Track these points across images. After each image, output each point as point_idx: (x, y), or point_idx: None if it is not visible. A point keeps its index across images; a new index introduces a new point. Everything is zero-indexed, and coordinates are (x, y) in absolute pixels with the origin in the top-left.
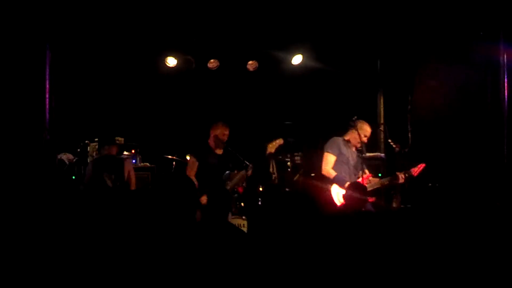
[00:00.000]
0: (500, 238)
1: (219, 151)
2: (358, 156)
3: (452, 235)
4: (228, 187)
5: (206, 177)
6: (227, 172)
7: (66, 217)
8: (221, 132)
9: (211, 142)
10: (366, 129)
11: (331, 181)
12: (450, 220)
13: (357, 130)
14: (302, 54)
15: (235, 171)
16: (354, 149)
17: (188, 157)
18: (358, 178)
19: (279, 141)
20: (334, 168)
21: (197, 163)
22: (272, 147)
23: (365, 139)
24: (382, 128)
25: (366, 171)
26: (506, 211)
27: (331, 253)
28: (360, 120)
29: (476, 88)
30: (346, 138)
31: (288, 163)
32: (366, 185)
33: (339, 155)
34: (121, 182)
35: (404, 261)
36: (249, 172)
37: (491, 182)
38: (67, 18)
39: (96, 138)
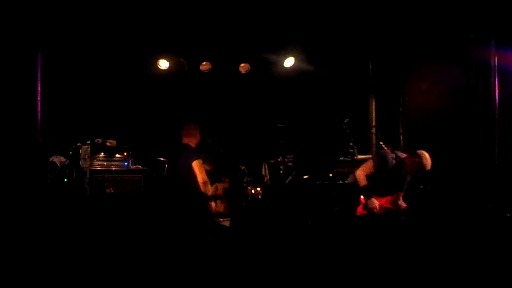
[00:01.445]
0: (492, 239)
1: None
2: (403, 178)
3: (445, 237)
4: None
5: None
6: None
7: (58, 219)
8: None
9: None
10: (422, 162)
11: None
12: (442, 222)
13: (414, 157)
14: (294, 56)
15: None
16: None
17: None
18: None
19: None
20: (369, 177)
21: None
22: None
23: (411, 171)
24: (373, 130)
25: (400, 196)
26: (498, 213)
27: (315, 255)
28: (423, 152)
29: (468, 90)
30: (403, 159)
31: (280, 166)
32: (388, 204)
33: (381, 171)
34: None
35: (395, 263)
36: None
37: (483, 184)
38: (59, 20)
39: (88, 140)
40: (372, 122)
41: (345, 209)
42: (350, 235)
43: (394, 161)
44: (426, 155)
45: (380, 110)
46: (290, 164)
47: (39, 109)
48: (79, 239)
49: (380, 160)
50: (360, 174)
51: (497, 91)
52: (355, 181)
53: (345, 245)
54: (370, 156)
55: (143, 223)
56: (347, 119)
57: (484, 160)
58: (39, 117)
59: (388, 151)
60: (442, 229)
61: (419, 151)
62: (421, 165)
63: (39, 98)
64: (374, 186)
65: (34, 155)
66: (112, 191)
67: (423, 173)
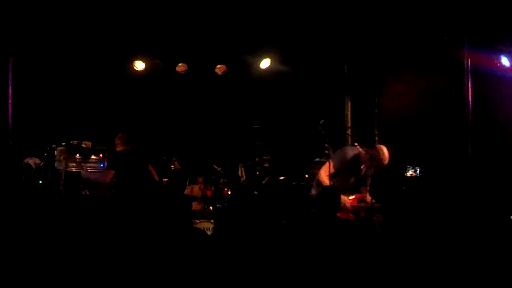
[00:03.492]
0: (464, 237)
1: None
2: (366, 175)
3: (419, 236)
4: None
5: None
6: None
7: (32, 222)
8: None
9: None
10: (377, 155)
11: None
12: (418, 222)
13: (371, 151)
14: (270, 58)
15: None
16: (363, 167)
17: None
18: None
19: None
20: (332, 176)
21: None
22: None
23: (368, 163)
24: (349, 131)
25: (365, 191)
26: (470, 212)
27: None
28: (380, 145)
29: (441, 91)
30: (360, 152)
31: (257, 167)
32: (356, 203)
33: (343, 168)
34: None
35: (373, 262)
36: None
37: (456, 184)
38: (32, 22)
39: (63, 142)
40: (347, 123)
41: (325, 211)
42: (327, 236)
43: (352, 154)
44: (384, 149)
45: (356, 112)
46: (267, 165)
47: (10, 112)
48: (54, 241)
49: (337, 158)
50: (323, 175)
51: (470, 92)
52: (319, 184)
53: (323, 246)
54: None
55: (118, 225)
56: (323, 120)
57: (457, 160)
58: (10, 120)
59: (347, 147)
60: (417, 228)
61: (376, 145)
62: (379, 158)
63: (10, 102)
64: (339, 186)
65: (5, 157)
66: (87, 193)
67: (381, 167)
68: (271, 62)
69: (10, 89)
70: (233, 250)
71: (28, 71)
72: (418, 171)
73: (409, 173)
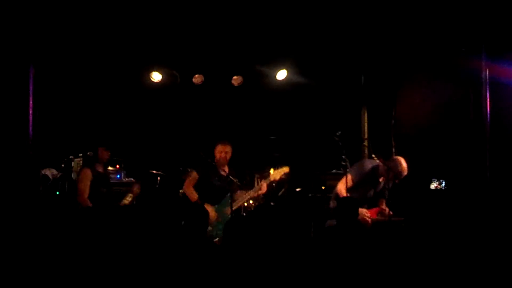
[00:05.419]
0: (482, 250)
1: (224, 172)
2: (384, 187)
3: (437, 248)
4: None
5: (209, 198)
6: (229, 194)
7: (50, 232)
8: (220, 150)
9: (216, 161)
10: (395, 167)
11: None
12: (435, 234)
13: (389, 163)
14: (286, 69)
15: (238, 192)
16: (382, 179)
17: (189, 170)
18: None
19: (285, 169)
20: (350, 189)
21: (197, 177)
22: (276, 174)
23: (386, 176)
24: (366, 143)
25: (383, 203)
26: (489, 225)
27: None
28: (398, 157)
29: (459, 103)
30: (380, 165)
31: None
32: (375, 216)
33: (361, 180)
34: None
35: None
36: (261, 190)
37: (474, 197)
38: (52, 33)
39: (80, 153)
40: (364, 135)
41: (345, 222)
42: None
43: (370, 167)
44: (402, 160)
45: (372, 123)
46: (283, 176)
47: (30, 122)
48: (71, 251)
49: (355, 170)
50: (341, 188)
51: (488, 103)
52: (337, 196)
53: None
54: None
55: (135, 236)
56: (339, 132)
57: (475, 172)
58: (30, 130)
59: (365, 159)
60: (435, 240)
61: (394, 157)
62: (397, 170)
63: (31, 112)
64: (357, 199)
65: (26, 168)
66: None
67: (400, 179)
68: (287, 73)
69: (31, 100)
70: (246, 261)
71: (47, 82)
72: (443, 184)
73: (434, 185)
